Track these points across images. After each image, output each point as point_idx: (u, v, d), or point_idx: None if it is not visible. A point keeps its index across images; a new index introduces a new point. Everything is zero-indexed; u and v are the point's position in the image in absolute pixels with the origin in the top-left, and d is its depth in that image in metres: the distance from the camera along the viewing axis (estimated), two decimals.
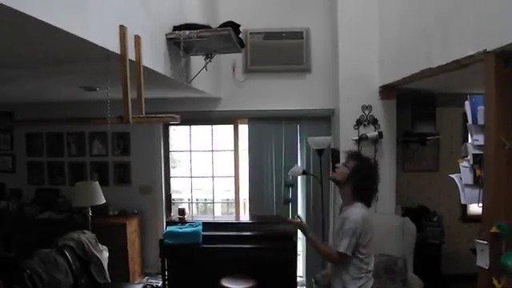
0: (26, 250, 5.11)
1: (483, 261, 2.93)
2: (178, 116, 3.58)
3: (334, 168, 4.10)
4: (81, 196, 5.98)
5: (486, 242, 2.91)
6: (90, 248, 5.21)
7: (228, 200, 7.65)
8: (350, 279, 3.62)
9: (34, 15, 1.80)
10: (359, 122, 5.93)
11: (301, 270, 6.58)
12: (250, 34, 6.40)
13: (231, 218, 7.04)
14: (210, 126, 7.17)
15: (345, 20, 5.91)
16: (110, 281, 5.33)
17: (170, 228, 6.09)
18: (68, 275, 4.79)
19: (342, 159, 4.20)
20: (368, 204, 3.75)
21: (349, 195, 3.73)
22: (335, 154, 5.91)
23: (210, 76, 5.39)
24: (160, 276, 6.24)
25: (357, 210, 3.62)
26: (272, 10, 6.54)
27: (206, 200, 7.90)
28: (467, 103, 3.29)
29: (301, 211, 6.69)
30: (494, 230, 2.81)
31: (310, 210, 6.62)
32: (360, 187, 3.68)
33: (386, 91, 5.82)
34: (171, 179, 7.31)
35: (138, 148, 7.09)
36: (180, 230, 5.94)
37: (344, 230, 3.54)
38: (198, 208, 7.94)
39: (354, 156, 3.92)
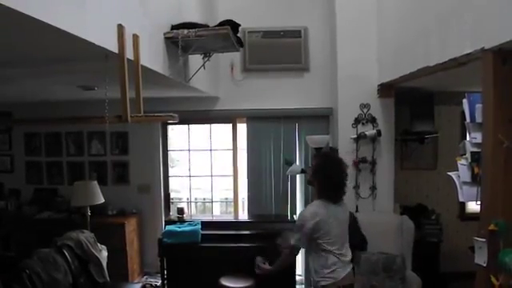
0: (24, 249, 5.10)
1: (481, 258, 2.93)
2: (176, 115, 3.58)
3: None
4: (79, 195, 5.98)
5: (484, 240, 2.91)
6: (89, 247, 5.21)
7: (227, 199, 7.64)
8: (319, 269, 3.77)
9: (32, 14, 1.79)
10: (357, 121, 5.95)
11: (300, 268, 6.58)
12: (249, 32, 6.41)
13: (230, 217, 7.07)
14: (208, 125, 7.17)
15: (343, 19, 5.93)
16: (109, 280, 5.33)
17: (168, 227, 6.09)
18: (67, 274, 4.79)
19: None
20: (335, 199, 3.83)
21: (315, 194, 3.92)
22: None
23: (208, 75, 5.39)
24: (159, 275, 6.25)
25: (308, 208, 3.86)
26: (270, 8, 6.55)
27: (204, 199, 7.89)
28: (465, 101, 3.29)
29: (299, 210, 6.69)
30: (491, 227, 2.81)
31: None
32: (323, 183, 3.82)
33: (385, 90, 5.83)
34: (170, 178, 7.31)
35: (136, 147, 7.08)
36: (179, 229, 5.95)
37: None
38: (196, 207, 7.93)
39: (316, 155, 4.06)
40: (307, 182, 4.19)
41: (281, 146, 6.67)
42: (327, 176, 3.80)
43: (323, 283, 3.73)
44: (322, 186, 3.81)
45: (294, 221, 6.19)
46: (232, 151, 7.05)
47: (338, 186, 3.85)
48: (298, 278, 6.33)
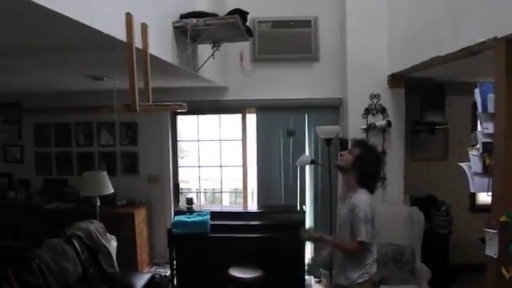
0: (34, 239, 5.12)
1: (492, 250, 2.92)
2: (184, 104, 3.56)
3: (340, 156, 4.12)
4: (89, 186, 6.00)
5: (495, 231, 2.89)
6: (99, 237, 5.23)
7: (236, 189, 7.65)
8: (354, 266, 3.68)
9: (40, 2, 1.78)
10: (368, 111, 5.92)
11: (308, 258, 6.57)
12: (258, 22, 6.37)
13: (239, 208, 7.06)
14: (217, 116, 7.17)
15: (353, 8, 5.89)
16: (118, 270, 5.35)
17: (178, 217, 6.09)
18: (76, 264, 4.81)
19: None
20: (372, 191, 3.80)
21: (353, 182, 3.77)
22: (343, 143, 5.90)
23: (217, 65, 5.38)
24: (168, 265, 6.26)
25: (363, 197, 3.66)
26: None
27: (213, 189, 7.89)
28: (477, 91, 3.26)
29: (309, 201, 6.70)
30: (503, 219, 2.79)
31: (318, 199, 6.62)
32: (364, 174, 3.74)
33: (395, 80, 5.79)
34: (179, 169, 7.32)
35: (145, 138, 7.08)
36: (188, 220, 5.95)
37: (358, 219, 3.56)
38: (205, 197, 7.94)
39: (358, 143, 3.97)
40: (338, 167, 4.06)
41: (290, 137, 6.64)
42: (369, 166, 3.76)
43: (360, 280, 3.66)
44: (365, 175, 3.74)
45: (303, 211, 6.23)
46: (241, 141, 7.04)
47: (377, 176, 3.93)
48: (307, 268, 6.33)
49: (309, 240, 4.35)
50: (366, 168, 3.73)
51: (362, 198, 3.65)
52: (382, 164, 3.91)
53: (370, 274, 3.69)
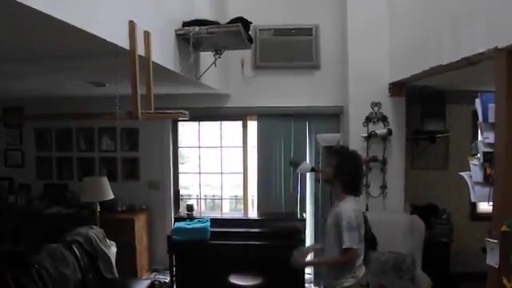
0: (34, 244, 5.12)
1: (493, 260, 2.91)
2: (186, 112, 3.57)
3: (323, 171, 4.17)
4: (89, 191, 6.00)
5: (496, 241, 2.89)
6: (98, 243, 5.23)
7: (236, 196, 7.66)
8: (341, 270, 3.69)
9: (44, 10, 1.80)
10: (368, 119, 5.93)
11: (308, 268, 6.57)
12: (260, 30, 6.40)
13: (239, 215, 7.05)
14: (218, 123, 7.18)
15: (354, 17, 5.91)
16: (117, 276, 5.34)
17: (178, 224, 6.09)
18: (76, 270, 4.81)
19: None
20: (357, 193, 3.84)
21: (339, 190, 3.81)
22: None
23: (219, 72, 5.39)
24: (168, 272, 6.25)
25: (347, 205, 3.69)
26: (281, 6, 6.53)
27: (214, 196, 7.90)
28: (478, 101, 3.27)
29: (309, 208, 6.69)
30: (504, 228, 2.79)
31: (318, 206, 6.61)
32: (346, 179, 3.77)
33: (396, 88, 5.80)
34: (180, 175, 7.32)
35: (146, 144, 7.09)
36: (188, 226, 5.95)
37: (342, 227, 3.58)
38: (206, 204, 7.95)
39: (334, 152, 4.00)
40: (323, 181, 4.11)
41: (291, 144, 6.66)
42: (350, 171, 3.78)
43: (346, 284, 3.66)
44: (347, 181, 3.76)
45: (304, 219, 6.24)
46: (242, 149, 7.05)
47: (360, 180, 3.91)
48: (307, 276, 6.32)
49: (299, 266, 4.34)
50: (346, 172, 3.76)
51: (345, 206, 3.67)
52: (361, 165, 3.91)
53: (357, 278, 3.70)
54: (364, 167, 3.94)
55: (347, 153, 4.00)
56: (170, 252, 5.96)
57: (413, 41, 4.83)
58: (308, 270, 6.42)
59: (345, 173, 3.75)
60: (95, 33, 2.29)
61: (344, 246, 3.55)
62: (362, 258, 3.78)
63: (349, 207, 3.66)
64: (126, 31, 2.73)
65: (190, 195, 7.60)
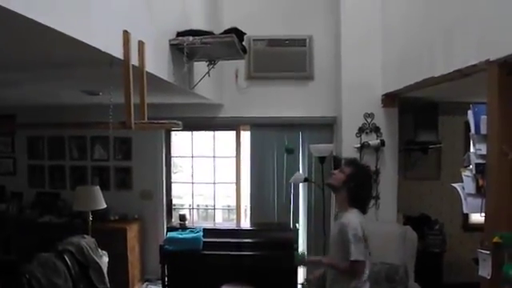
0: (25, 253, 5.07)
1: (485, 271, 2.92)
2: (179, 122, 3.57)
3: (332, 174, 4.12)
4: (81, 200, 5.97)
5: (488, 252, 2.90)
6: (90, 253, 5.19)
7: (229, 206, 7.64)
8: (345, 285, 3.64)
9: (38, 20, 1.80)
10: (361, 130, 5.95)
11: (301, 277, 6.55)
12: (254, 40, 6.41)
13: (232, 225, 7.03)
14: (212, 132, 7.18)
15: (348, 28, 5.94)
16: (109, 286, 5.30)
17: (170, 234, 6.07)
18: (67, 280, 4.77)
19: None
20: (363, 211, 3.79)
21: (344, 201, 3.76)
22: (337, 162, 5.91)
23: (212, 82, 5.40)
24: (160, 282, 6.21)
25: (353, 216, 3.64)
26: (275, 17, 6.55)
27: (207, 206, 7.89)
28: (470, 113, 3.30)
29: (302, 219, 6.69)
30: (496, 239, 2.80)
31: (311, 217, 6.62)
32: (355, 194, 3.72)
33: (389, 99, 5.82)
34: (172, 185, 7.31)
35: (139, 153, 7.08)
36: (180, 236, 5.93)
37: (348, 239, 3.52)
38: (198, 214, 7.93)
39: (350, 163, 3.97)
40: (330, 186, 4.05)
41: (284, 155, 6.66)
42: (361, 186, 3.75)
43: None
44: (355, 195, 3.72)
45: (297, 229, 6.23)
46: (235, 158, 7.05)
47: (369, 196, 3.94)
48: (299, 287, 6.30)
49: (304, 264, 4.35)
50: (358, 188, 3.71)
51: (351, 217, 3.62)
52: (373, 184, 3.91)
53: None
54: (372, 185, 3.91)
55: (364, 168, 3.99)
56: (162, 262, 5.94)
57: (406, 52, 4.85)
58: (300, 280, 6.40)
59: (355, 185, 3.70)
60: (89, 42, 2.29)
61: (352, 258, 3.49)
62: (367, 272, 3.72)
63: (355, 218, 3.61)
64: (120, 41, 2.73)
65: (182, 205, 7.58)
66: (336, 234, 3.72)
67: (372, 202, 5.89)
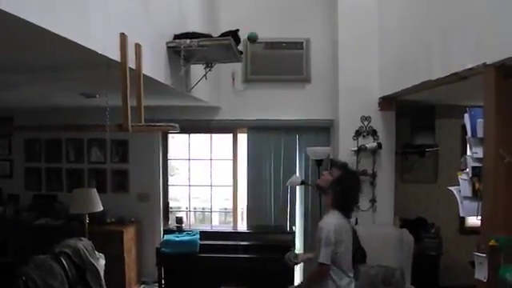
0: (21, 255, 5.07)
1: (481, 274, 2.92)
2: (177, 125, 3.57)
3: (322, 176, 4.18)
4: (78, 203, 5.95)
5: (484, 255, 2.91)
6: (87, 255, 5.18)
7: (226, 209, 7.64)
8: (331, 284, 3.71)
9: (35, 22, 1.79)
10: (358, 133, 5.96)
11: (298, 280, 6.54)
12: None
13: (229, 228, 7.04)
14: (209, 135, 7.17)
15: (345, 31, 5.95)
16: None
17: (167, 236, 6.07)
18: (64, 282, 4.76)
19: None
20: (347, 214, 3.86)
21: (329, 203, 3.86)
22: (334, 165, 5.91)
23: (209, 85, 5.40)
24: (156, 285, 6.21)
25: (330, 220, 3.74)
26: (273, 19, 6.54)
27: (203, 209, 7.88)
28: (466, 116, 3.30)
29: (299, 221, 6.69)
30: (492, 243, 2.80)
31: (308, 220, 6.61)
32: (340, 197, 3.79)
33: (386, 102, 5.84)
34: (169, 187, 7.29)
35: (136, 155, 7.06)
36: (177, 239, 5.93)
37: (320, 241, 3.65)
38: (195, 217, 7.92)
39: (340, 166, 4.02)
40: (317, 187, 4.13)
41: (281, 157, 6.67)
42: (347, 189, 3.81)
43: None
44: (340, 198, 3.79)
45: (293, 232, 6.23)
46: (232, 161, 7.05)
47: (355, 201, 3.94)
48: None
49: (296, 263, 4.36)
50: (343, 191, 3.78)
51: (328, 220, 3.73)
52: (359, 190, 3.95)
53: None
54: (360, 189, 3.97)
55: (352, 172, 4.05)
56: (158, 264, 5.94)
57: (403, 56, 4.86)
58: (296, 282, 6.40)
59: (342, 188, 3.78)
60: (86, 45, 2.28)
61: (319, 261, 3.63)
62: (349, 274, 3.81)
63: (330, 222, 3.71)
64: (117, 43, 2.73)
65: (179, 207, 7.57)
66: (316, 235, 3.84)
67: (369, 204, 5.91)
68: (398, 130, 6.04)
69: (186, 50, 3.77)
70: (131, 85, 2.88)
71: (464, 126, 3.43)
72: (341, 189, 3.77)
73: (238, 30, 4.09)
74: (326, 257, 3.61)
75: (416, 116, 6.36)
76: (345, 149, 5.97)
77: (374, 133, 5.95)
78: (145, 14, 3.31)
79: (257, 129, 6.73)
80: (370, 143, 5.90)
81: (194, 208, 7.71)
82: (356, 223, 5.84)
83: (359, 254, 5.29)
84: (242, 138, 6.94)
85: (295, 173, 6.53)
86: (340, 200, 3.79)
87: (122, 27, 2.78)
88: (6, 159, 7.37)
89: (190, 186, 7.32)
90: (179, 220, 6.49)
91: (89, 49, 2.32)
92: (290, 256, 4.19)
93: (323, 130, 6.62)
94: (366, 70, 5.85)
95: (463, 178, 3.36)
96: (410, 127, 6.37)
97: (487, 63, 2.88)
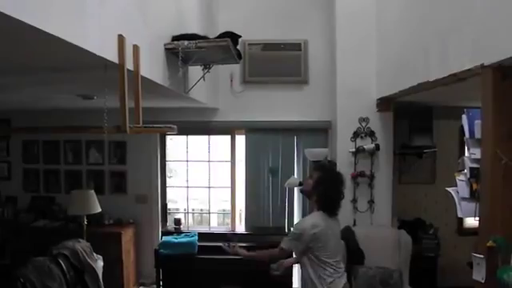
0: (20, 257, 5.07)
1: (479, 275, 2.92)
2: (175, 126, 3.57)
3: (305, 181, 4.27)
4: (76, 204, 5.95)
5: (482, 256, 2.91)
6: (85, 257, 5.17)
7: (224, 210, 7.64)
8: (317, 281, 3.78)
9: (33, 23, 1.79)
10: (356, 134, 5.95)
11: (296, 281, 6.55)
12: (249, 44, 6.42)
13: (227, 229, 7.03)
14: (207, 137, 7.16)
15: (343, 32, 5.95)
16: None
17: (165, 238, 6.07)
18: (62, 284, 4.75)
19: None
20: (333, 213, 3.91)
21: (314, 205, 3.94)
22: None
23: (207, 86, 5.39)
24: (155, 286, 6.21)
25: (308, 218, 3.92)
26: (271, 21, 6.56)
27: (201, 210, 7.88)
28: (464, 117, 3.31)
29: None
30: (490, 244, 2.80)
31: None
32: (323, 196, 3.86)
33: (384, 104, 5.84)
34: (167, 189, 7.29)
35: (134, 157, 7.06)
36: (175, 240, 5.93)
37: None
38: (193, 218, 7.92)
39: (317, 167, 4.11)
40: (302, 192, 4.22)
41: (279, 159, 6.67)
42: (328, 190, 3.86)
43: None
44: (322, 198, 3.86)
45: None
46: (230, 163, 7.05)
47: (337, 200, 3.92)
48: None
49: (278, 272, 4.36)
50: (326, 190, 3.85)
51: (306, 218, 3.96)
52: (341, 186, 3.96)
53: None
54: (344, 189, 3.99)
55: (331, 171, 4.10)
56: (157, 266, 5.93)
57: (400, 57, 4.86)
58: (295, 285, 6.40)
59: (322, 189, 3.85)
60: (84, 46, 2.28)
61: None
62: (338, 270, 3.86)
63: (308, 220, 3.88)
64: (115, 45, 2.73)
65: (177, 209, 7.57)
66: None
67: (367, 205, 5.92)
68: (395, 131, 6.04)
69: (184, 51, 3.77)
70: (129, 86, 2.87)
71: (462, 127, 3.43)
72: (322, 188, 3.85)
73: (239, 36, 4.09)
74: (286, 244, 3.85)
75: (414, 117, 6.37)
76: (343, 150, 5.98)
77: (371, 134, 5.95)
78: (143, 16, 3.30)
79: (255, 130, 6.73)
80: (368, 144, 5.90)
81: (193, 209, 7.72)
82: (354, 224, 5.85)
83: (357, 256, 5.33)
84: (240, 140, 6.94)
85: (293, 174, 6.53)
86: (323, 200, 3.86)
87: (119, 28, 2.78)
88: (3, 161, 7.37)
89: (188, 187, 7.32)
90: (177, 221, 6.49)
91: (86, 50, 2.32)
92: (273, 266, 4.21)
93: (321, 132, 6.62)
94: (364, 71, 5.85)
95: (461, 178, 3.37)
96: (407, 128, 6.38)
97: (485, 64, 2.88)
